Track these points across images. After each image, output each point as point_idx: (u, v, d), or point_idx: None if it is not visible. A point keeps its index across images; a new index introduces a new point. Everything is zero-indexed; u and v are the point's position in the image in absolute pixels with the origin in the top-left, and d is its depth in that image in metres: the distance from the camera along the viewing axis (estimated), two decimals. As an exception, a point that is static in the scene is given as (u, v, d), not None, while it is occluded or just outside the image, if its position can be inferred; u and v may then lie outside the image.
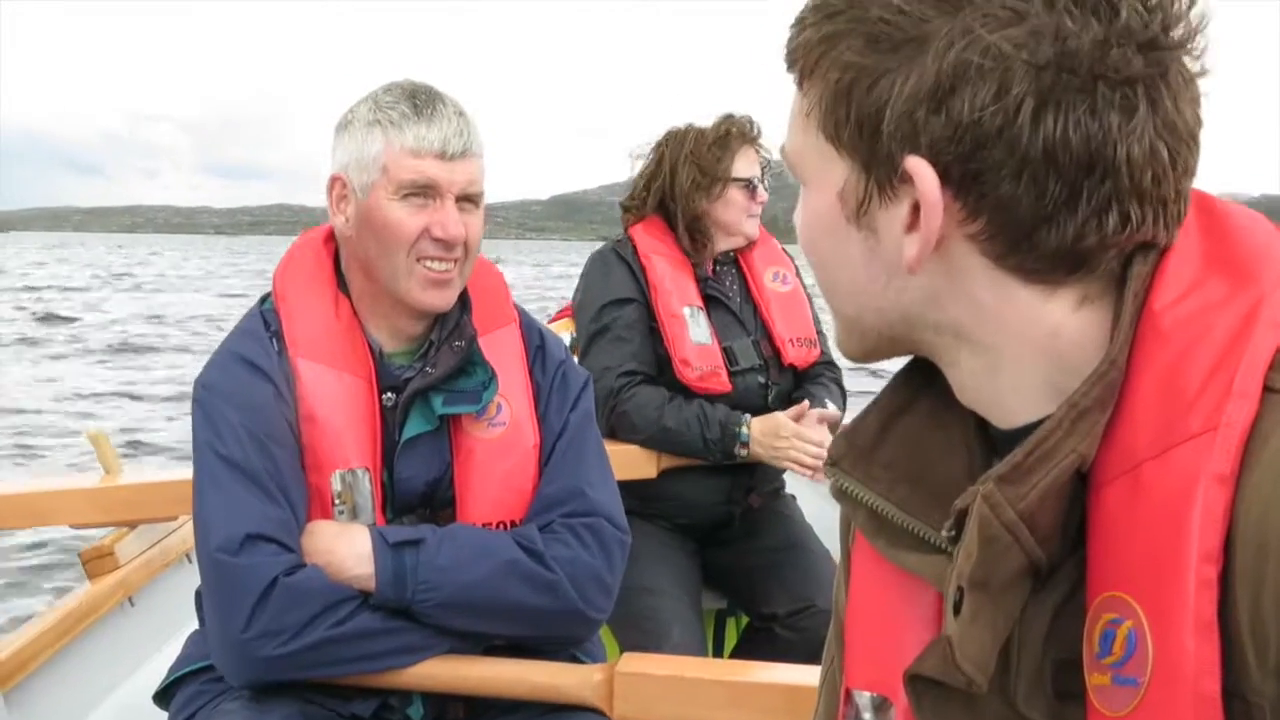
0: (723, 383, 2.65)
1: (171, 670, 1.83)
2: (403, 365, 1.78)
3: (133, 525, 2.57)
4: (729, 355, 2.69)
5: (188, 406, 1.79)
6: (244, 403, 1.69)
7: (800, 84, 0.80)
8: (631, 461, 2.57)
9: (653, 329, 2.66)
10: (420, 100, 1.70)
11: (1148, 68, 0.70)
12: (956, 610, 0.75)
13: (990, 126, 0.71)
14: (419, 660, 1.67)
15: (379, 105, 1.71)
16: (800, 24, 0.78)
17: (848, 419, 2.78)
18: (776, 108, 0.85)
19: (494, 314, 1.85)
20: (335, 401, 1.72)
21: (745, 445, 2.59)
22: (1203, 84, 0.74)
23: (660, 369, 2.65)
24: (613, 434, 2.56)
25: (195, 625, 1.86)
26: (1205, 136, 0.75)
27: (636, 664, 1.71)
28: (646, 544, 2.54)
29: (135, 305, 25.65)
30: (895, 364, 0.90)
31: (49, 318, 21.22)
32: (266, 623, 1.59)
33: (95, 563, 2.49)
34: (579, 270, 2.83)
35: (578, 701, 1.69)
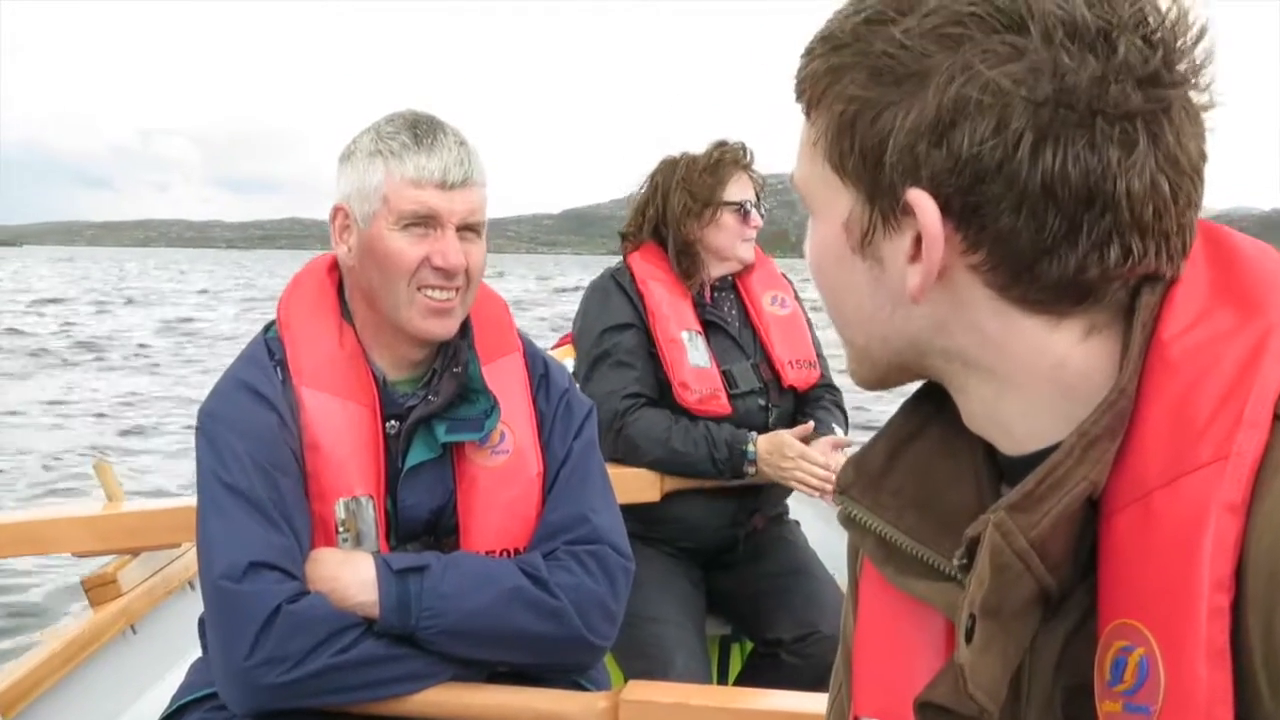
0: (722, 405, 2.65)
1: (174, 698, 1.82)
2: (406, 393, 1.79)
3: (135, 553, 2.56)
4: (728, 379, 2.70)
5: None
6: (248, 431, 1.70)
7: (808, 114, 0.81)
8: (635, 485, 2.57)
9: (652, 354, 2.67)
10: (421, 130, 1.71)
11: (1148, 103, 0.71)
12: (968, 638, 0.75)
13: (990, 160, 0.71)
14: (423, 688, 1.67)
15: (380, 135, 1.72)
16: (809, 55, 0.80)
17: (851, 438, 2.78)
18: (790, 124, 0.86)
19: (497, 342, 1.85)
20: (339, 429, 1.72)
21: (753, 463, 2.60)
22: (1211, 116, 0.74)
23: (661, 394, 2.66)
24: (617, 458, 2.56)
25: (198, 653, 1.86)
26: (1215, 150, 0.75)
27: (641, 691, 1.71)
28: (650, 571, 2.53)
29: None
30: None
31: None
32: (270, 650, 1.58)
33: (98, 590, 2.48)
34: (577, 278, 2.84)
35: None
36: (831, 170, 0.79)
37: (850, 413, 2.91)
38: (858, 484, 0.87)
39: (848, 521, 0.89)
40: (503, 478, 1.78)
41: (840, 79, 0.76)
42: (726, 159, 2.72)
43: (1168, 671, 0.68)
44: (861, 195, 0.78)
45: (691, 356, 2.66)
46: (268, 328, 1.84)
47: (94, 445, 9.47)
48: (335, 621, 1.62)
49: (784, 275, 2.93)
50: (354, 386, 1.75)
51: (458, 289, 1.73)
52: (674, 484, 2.64)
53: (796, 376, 2.77)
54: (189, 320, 25.54)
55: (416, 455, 1.75)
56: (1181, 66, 0.72)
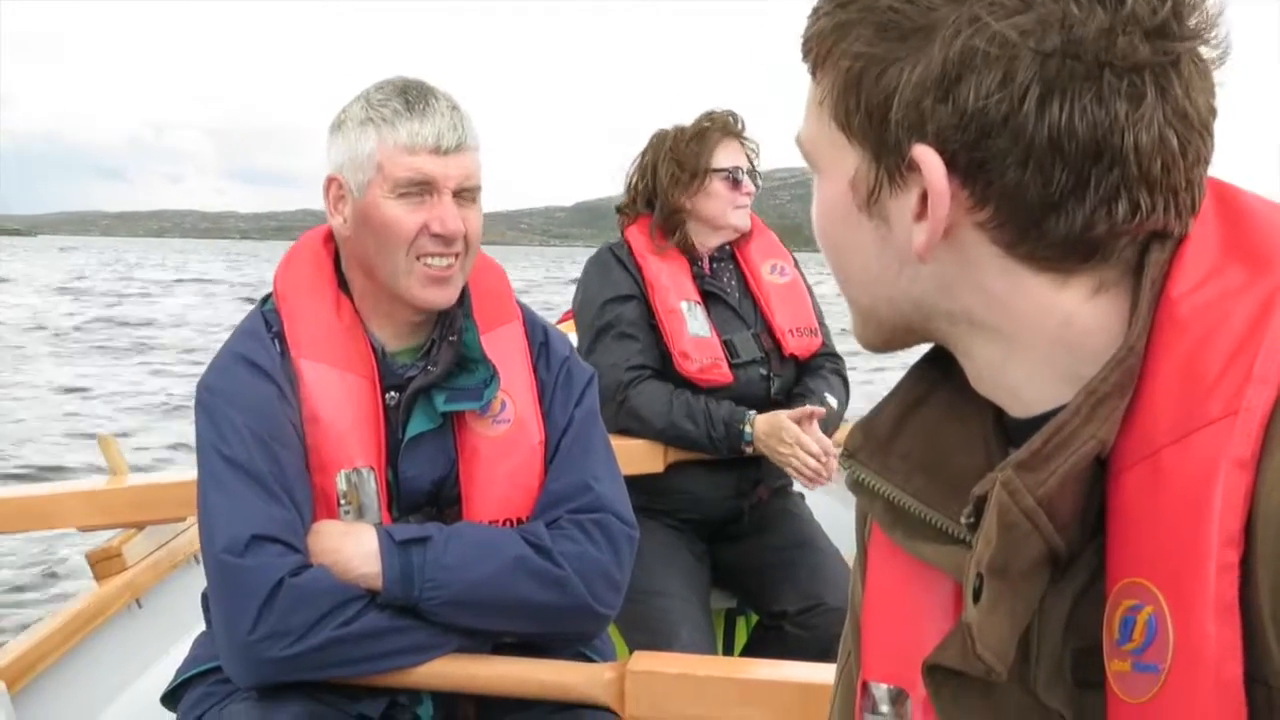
0: (724, 374, 2.65)
1: (179, 672, 1.82)
2: (405, 364, 1.78)
3: (140, 526, 2.57)
4: (729, 348, 2.69)
5: None
6: (247, 404, 1.69)
7: (814, 73, 0.80)
8: (638, 456, 2.57)
9: (653, 326, 2.67)
10: (412, 96, 1.69)
11: (1155, 55, 0.70)
12: (976, 598, 0.74)
13: (995, 114, 0.70)
14: (427, 659, 1.66)
15: (371, 103, 1.71)
16: (815, 13, 0.79)
17: (852, 407, 2.78)
18: (794, 117, 0.86)
19: (496, 311, 1.84)
20: (338, 401, 1.71)
21: (750, 444, 2.60)
22: (1221, 74, 0.74)
23: (663, 365, 2.66)
24: (620, 429, 2.56)
25: (203, 627, 1.86)
26: (1214, 151, 0.75)
27: (648, 662, 1.70)
28: (654, 545, 2.53)
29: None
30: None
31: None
32: (273, 624, 1.58)
33: (103, 564, 2.48)
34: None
35: (589, 700, 1.68)
36: (837, 128, 0.78)
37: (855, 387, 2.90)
38: (866, 448, 0.87)
39: (856, 486, 0.88)
40: (504, 447, 1.77)
41: (846, 35, 0.76)
42: (714, 127, 2.70)
43: (1176, 629, 0.67)
44: (867, 153, 0.77)
45: (691, 326, 2.65)
46: (264, 300, 1.83)
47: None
48: (338, 594, 1.61)
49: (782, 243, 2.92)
50: (353, 358, 1.74)
51: (456, 255, 1.72)
52: (677, 455, 2.64)
53: (797, 344, 2.76)
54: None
55: (416, 426, 1.74)
56: (1192, 21, 0.71)
